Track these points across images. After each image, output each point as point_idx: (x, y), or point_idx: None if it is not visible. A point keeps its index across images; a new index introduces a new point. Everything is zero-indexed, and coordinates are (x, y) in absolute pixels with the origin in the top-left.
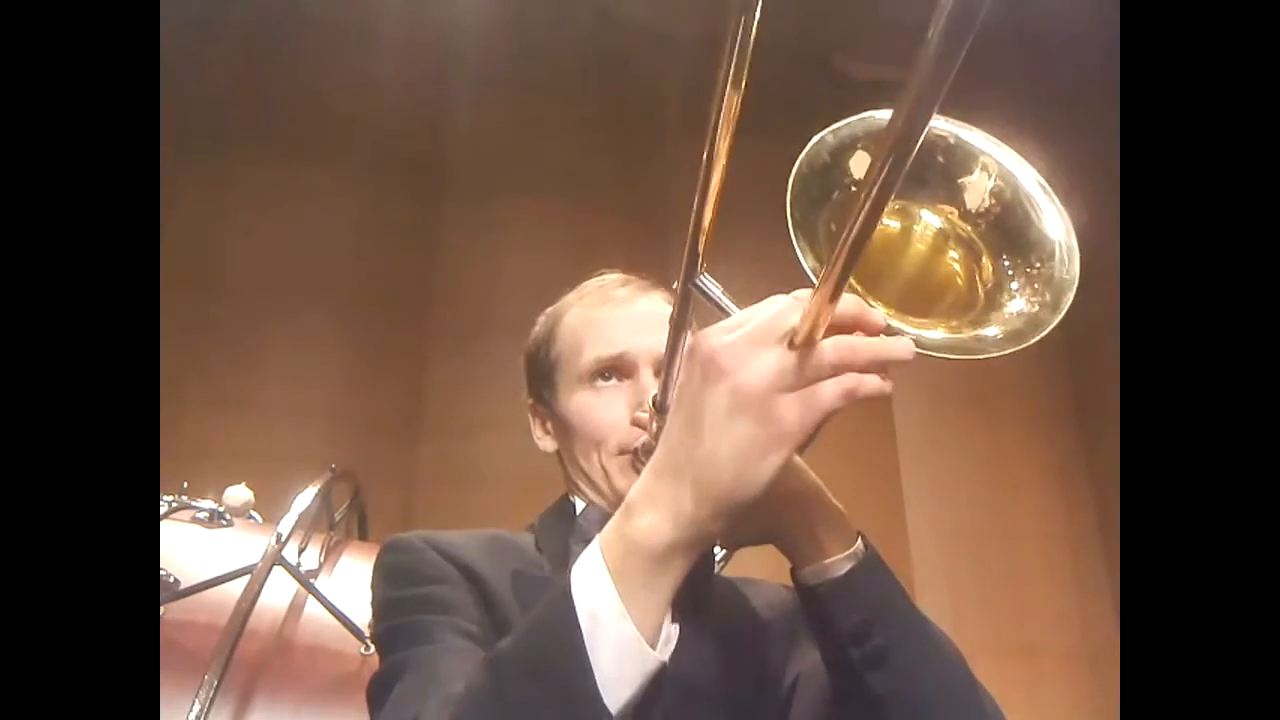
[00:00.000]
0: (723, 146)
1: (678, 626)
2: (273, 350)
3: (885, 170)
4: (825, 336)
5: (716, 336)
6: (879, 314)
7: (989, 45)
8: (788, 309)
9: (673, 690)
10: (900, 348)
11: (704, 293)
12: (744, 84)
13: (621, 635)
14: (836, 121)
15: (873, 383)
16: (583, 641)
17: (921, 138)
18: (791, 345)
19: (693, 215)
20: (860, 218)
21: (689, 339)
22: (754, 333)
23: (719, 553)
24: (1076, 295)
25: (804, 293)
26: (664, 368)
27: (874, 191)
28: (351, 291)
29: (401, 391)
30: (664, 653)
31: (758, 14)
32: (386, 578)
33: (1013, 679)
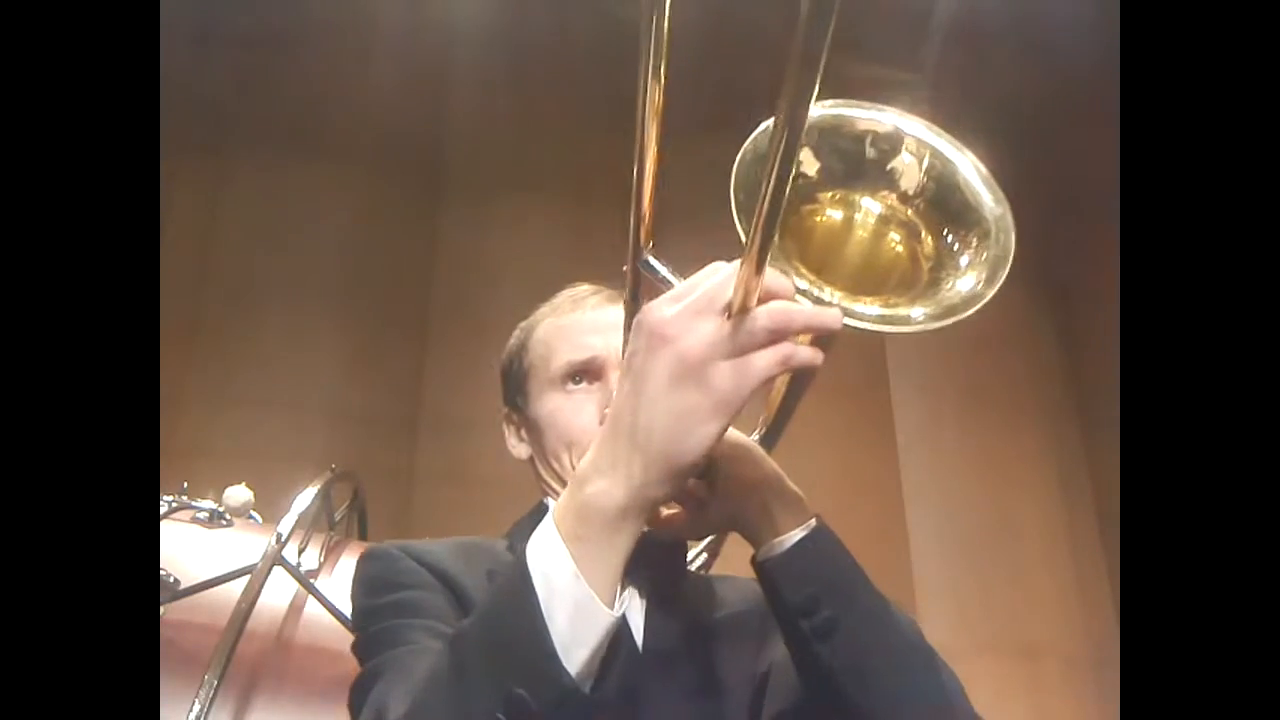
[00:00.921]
0: (651, 134)
1: (632, 590)
2: (273, 350)
3: (783, 133)
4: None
5: (659, 308)
6: (827, 294)
7: (988, 43)
8: (727, 279)
9: (644, 674)
10: (829, 316)
11: (652, 270)
12: (663, 75)
13: (576, 595)
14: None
15: (805, 353)
16: (538, 605)
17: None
18: (728, 315)
19: (633, 201)
20: (770, 184)
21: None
22: (696, 302)
23: (701, 557)
24: (1078, 294)
25: (735, 263)
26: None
27: (778, 156)
28: (351, 290)
29: (401, 390)
30: (618, 611)
31: (668, 8)
32: (363, 587)
33: (1013, 679)
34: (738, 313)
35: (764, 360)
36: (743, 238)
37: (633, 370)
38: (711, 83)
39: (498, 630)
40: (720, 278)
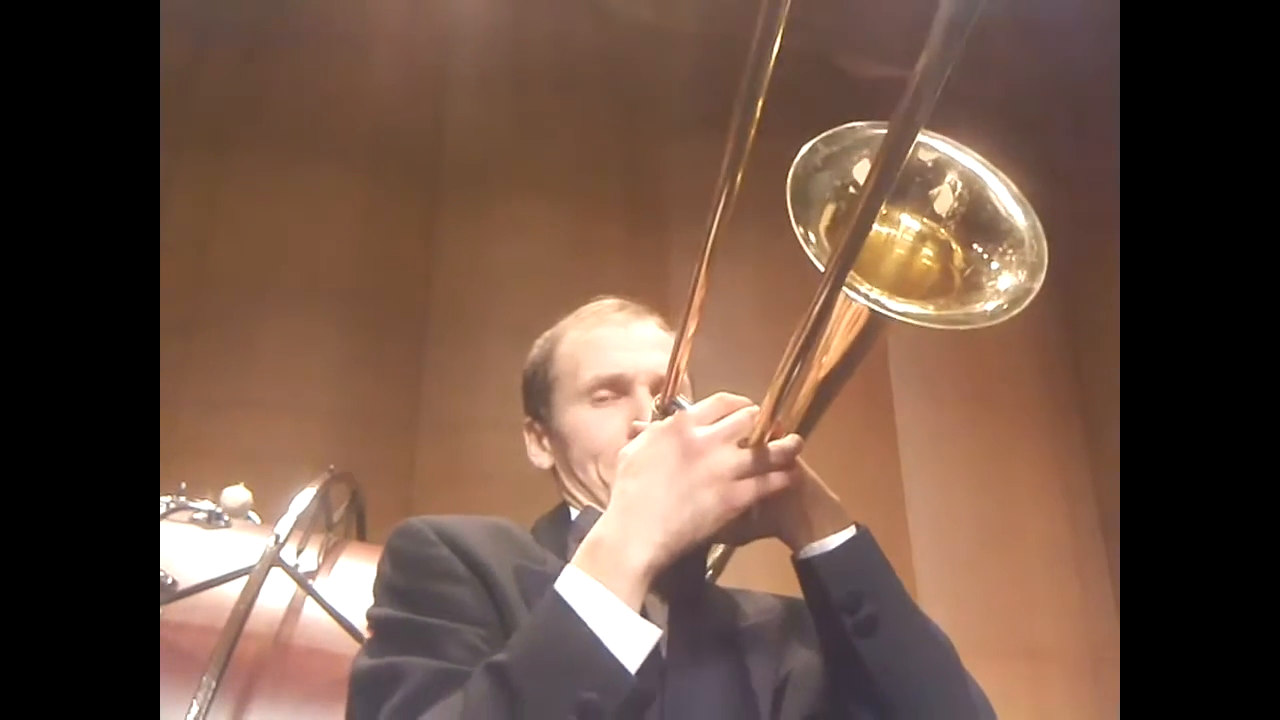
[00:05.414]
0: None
1: (655, 598)
2: (271, 350)
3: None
4: (769, 438)
5: (690, 428)
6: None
7: (988, 42)
8: (746, 422)
9: (668, 679)
10: (792, 449)
11: (680, 406)
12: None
13: (625, 618)
14: (836, 119)
15: (783, 482)
16: (590, 628)
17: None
18: (742, 444)
19: (670, 367)
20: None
21: (668, 419)
22: (723, 431)
23: (714, 551)
24: (1080, 296)
25: (755, 408)
26: (666, 381)
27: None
28: (350, 290)
29: (400, 391)
30: (660, 631)
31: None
32: (396, 563)
33: (1014, 679)
34: (755, 445)
35: (767, 483)
36: (803, 244)
37: (660, 467)
38: (722, 82)
39: (552, 654)
40: (742, 416)
